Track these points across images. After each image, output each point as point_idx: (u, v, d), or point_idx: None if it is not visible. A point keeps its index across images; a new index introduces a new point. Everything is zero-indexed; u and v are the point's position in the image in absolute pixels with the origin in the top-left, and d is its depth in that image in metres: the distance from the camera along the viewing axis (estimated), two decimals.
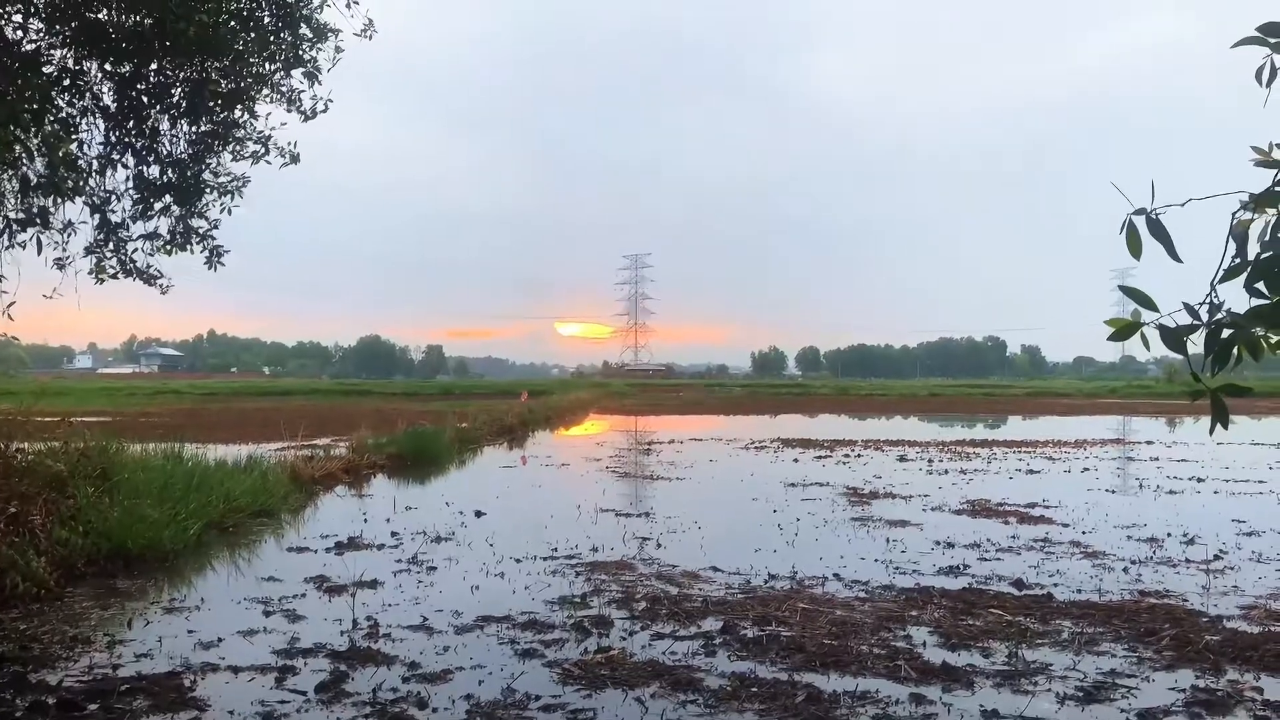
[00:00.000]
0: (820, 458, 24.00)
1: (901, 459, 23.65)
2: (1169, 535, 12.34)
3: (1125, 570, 10.26)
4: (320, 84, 10.68)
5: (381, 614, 8.29)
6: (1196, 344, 2.70)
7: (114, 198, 10.56)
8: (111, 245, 10.50)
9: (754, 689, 6.33)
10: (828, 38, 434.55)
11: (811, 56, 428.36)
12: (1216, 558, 10.88)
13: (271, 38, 10.11)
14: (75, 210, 10.42)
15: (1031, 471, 20.71)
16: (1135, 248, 2.67)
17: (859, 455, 24.75)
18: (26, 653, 7.17)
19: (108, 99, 10.25)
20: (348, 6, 10.34)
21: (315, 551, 11.29)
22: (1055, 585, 9.49)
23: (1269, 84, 2.71)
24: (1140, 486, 18.02)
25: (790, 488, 17.48)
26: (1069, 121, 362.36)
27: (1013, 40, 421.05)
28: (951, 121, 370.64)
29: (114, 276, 10.58)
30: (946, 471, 20.55)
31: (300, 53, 10.36)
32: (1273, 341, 2.71)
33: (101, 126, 10.31)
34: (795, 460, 23.37)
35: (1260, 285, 2.64)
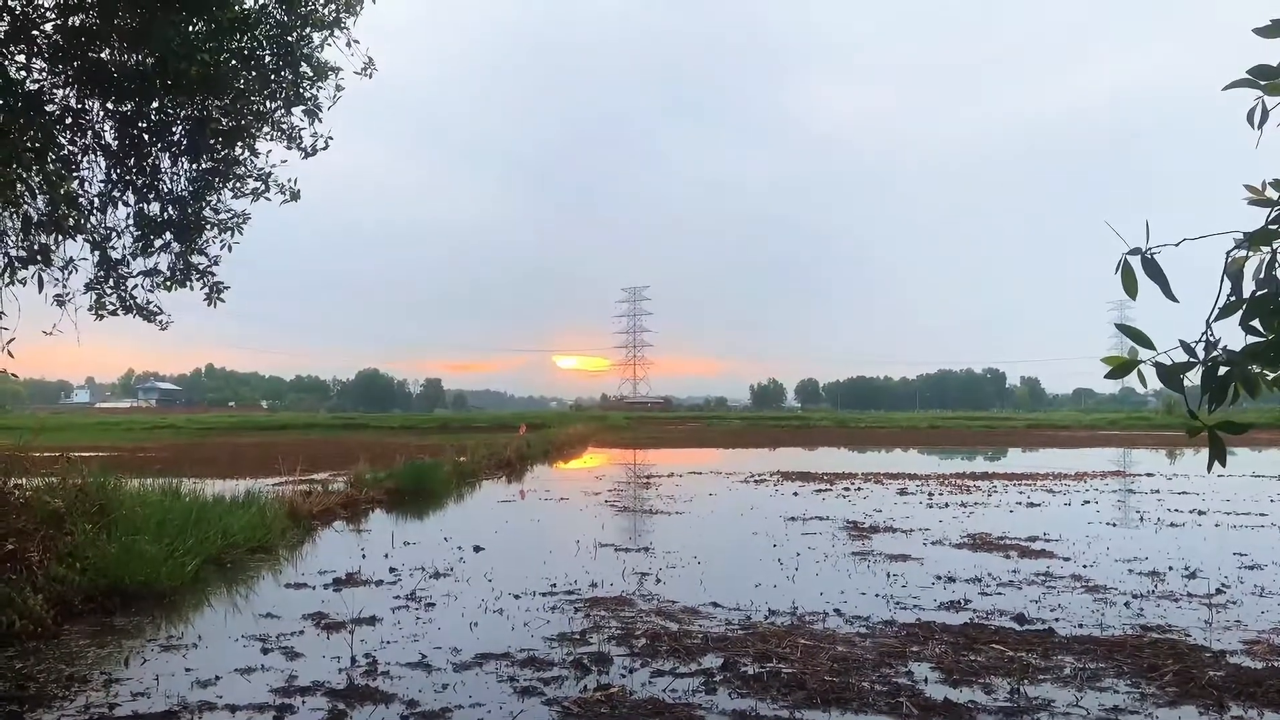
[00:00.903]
0: (820, 491, 23.94)
1: (902, 492, 23.59)
2: (1170, 569, 12.29)
3: (1127, 604, 10.21)
4: (321, 121, 10.78)
5: (380, 651, 8.25)
6: (1193, 381, 2.71)
7: (115, 235, 10.64)
8: (112, 282, 10.56)
9: None
10: (826, 68, 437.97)
11: (808, 86, 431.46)
12: (1219, 591, 10.83)
13: (272, 76, 10.21)
14: (76, 248, 10.50)
15: (1032, 504, 20.65)
16: (1131, 288, 2.68)
17: (859, 489, 24.69)
18: (23, 692, 7.13)
19: (109, 137, 10.35)
20: (348, 45, 10.46)
21: (313, 588, 11.24)
22: (1057, 620, 9.45)
23: (1261, 125, 2.74)
24: (1141, 519, 17.97)
25: (790, 522, 17.42)
26: (1070, 154, 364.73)
27: (1011, 71, 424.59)
28: (950, 154, 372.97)
29: (114, 313, 10.64)
30: (947, 505, 20.49)
31: (301, 91, 10.47)
32: (1269, 379, 2.73)
33: (103, 164, 10.41)
34: (795, 494, 23.31)
35: (1255, 323, 2.66)
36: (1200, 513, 18.75)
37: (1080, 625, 9.23)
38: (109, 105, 10.07)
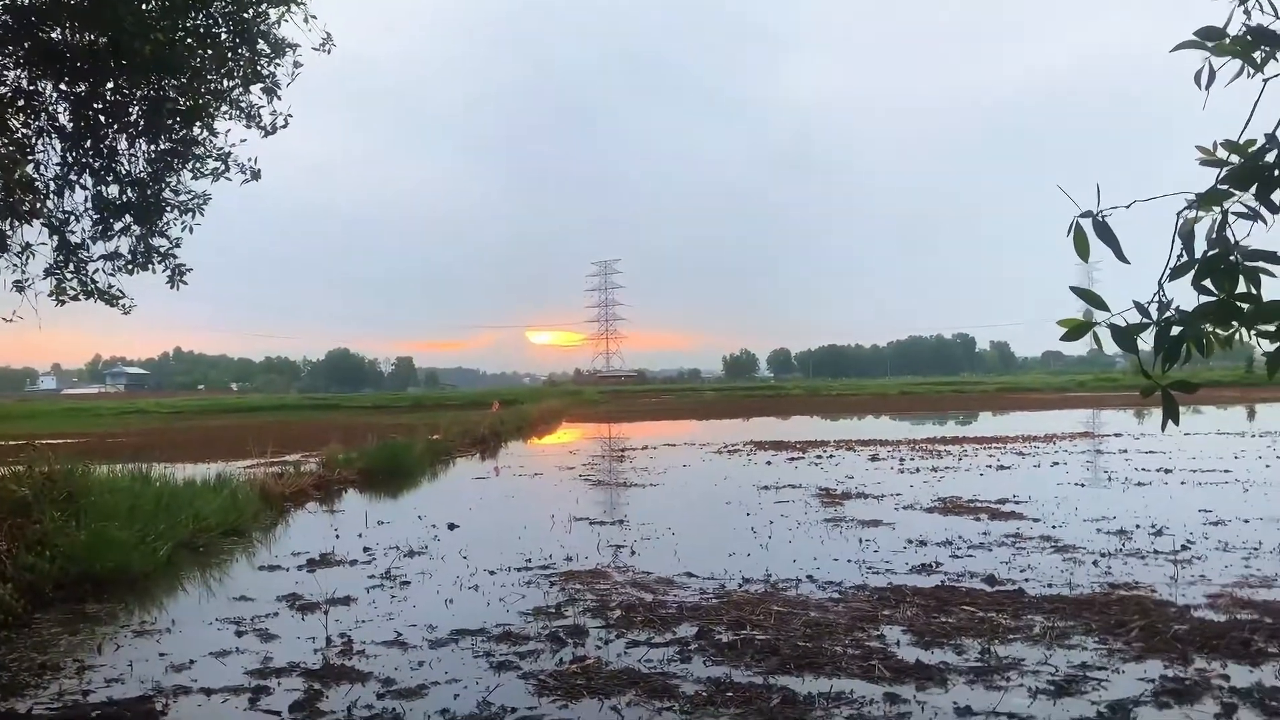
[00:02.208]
0: (793, 459, 24.09)
1: (873, 458, 23.78)
2: (1137, 527, 12.48)
3: (1095, 563, 10.36)
4: (280, 99, 10.67)
5: (355, 631, 8.25)
6: (1147, 341, 2.74)
7: (73, 218, 10.49)
8: (71, 266, 10.43)
9: (730, 694, 6.34)
10: (793, 35, 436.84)
11: (777, 57, 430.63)
12: (1184, 548, 11.01)
13: (229, 54, 10.07)
14: (33, 232, 10.34)
15: (1002, 467, 20.87)
16: (1083, 250, 2.71)
17: (831, 456, 24.86)
18: None
19: (64, 119, 10.19)
20: (305, 21, 10.32)
21: (287, 569, 11.21)
22: (1026, 580, 9.58)
23: (1208, 86, 2.77)
24: (1109, 479, 18.22)
25: (763, 490, 17.53)
26: (1035, 121, 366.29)
27: (977, 40, 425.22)
28: (916, 122, 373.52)
29: (75, 298, 10.51)
30: (918, 470, 20.68)
31: (259, 68, 10.34)
32: (1221, 337, 2.76)
33: (58, 147, 10.25)
34: (768, 463, 23.44)
35: (1207, 283, 2.70)
36: (1167, 471, 19.02)
37: (1049, 585, 9.37)
38: (62, 86, 9.90)
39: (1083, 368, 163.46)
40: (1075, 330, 2.75)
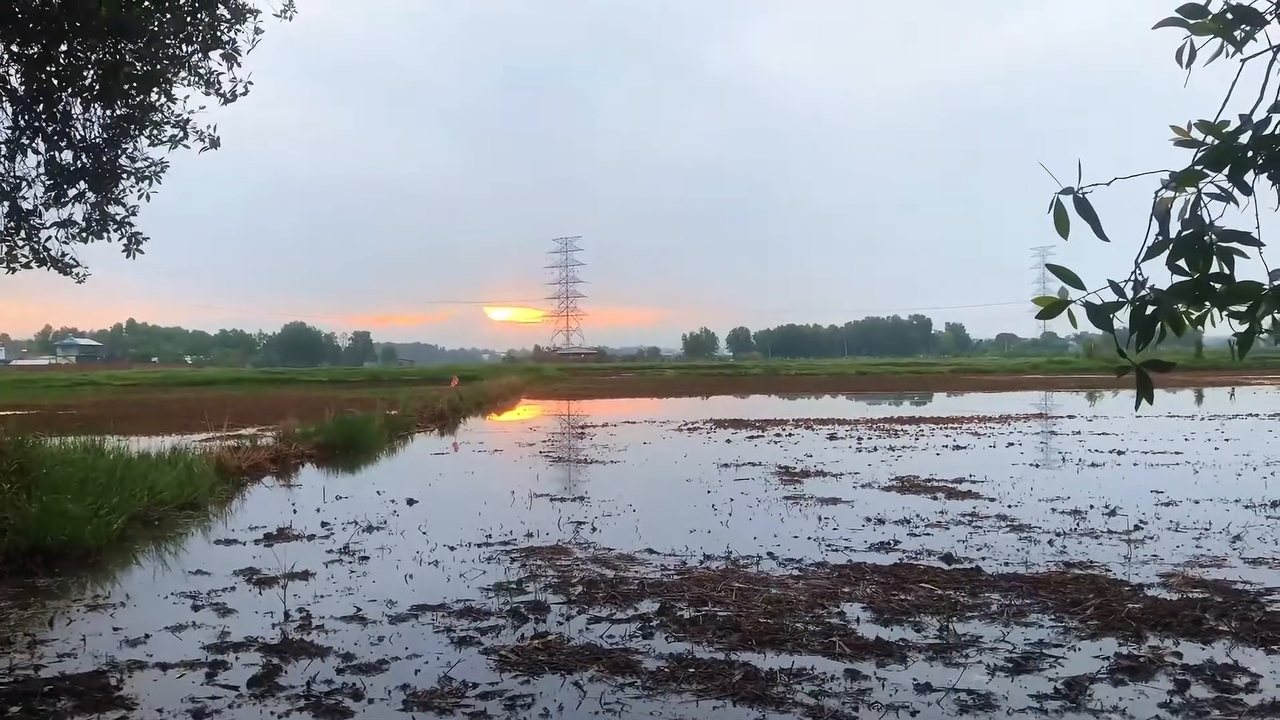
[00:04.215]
0: (752, 438, 24.19)
1: (831, 437, 23.94)
2: (1091, 507, 12.65)
3: (1050, 543, 10.50)
4: (240, 66, 10.47)
5: (314, 605, 8.17)
6: (1121, 320, 2.75)
7: (24, 184, 10.24)
8: (23, 234, 10.19)
9: (692, 669, 6.35)
10: (753, 16, 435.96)
11: (737, 35, 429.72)
12: (1137, 528, 11.18)
13: (188, 18, 9.85)
14: None
15: (958, 447, 21.09)
16: (1063, 227, 2.71)
17: (790, 434, 24.99)
18: None
19: (15, 81, 9.92)
20: None
21: (244, 544, 11.09)
22: (983, 559, 9.68)
23: (1189, 65, 2.77)
24: (1063, 460, 18.47)
25: (723, 468, 17.59)
26: (989, 103, 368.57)
27: (941, 21, 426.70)
28: (873, 102, 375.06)
29: (27, 266, 10.28)
30: (875, 449, 20.85)
31: (218, 34, 10.13)
32: (1194, 317, 2.78)
33: (9, 110, 9.99)
34: (728, 441, 23.52)
35: (1181, 262, 2.71)
36: (1119, 453, 19.31)
37: (1006, 564, 9.48)
38: (14, 48, 9.63)
39: (1036, 350, 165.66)
40: (1051, 308, 2.75)
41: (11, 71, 9.79)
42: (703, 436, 25.13)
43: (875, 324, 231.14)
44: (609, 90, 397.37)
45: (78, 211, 10.38)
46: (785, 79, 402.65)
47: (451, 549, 10.50)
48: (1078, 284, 2.71)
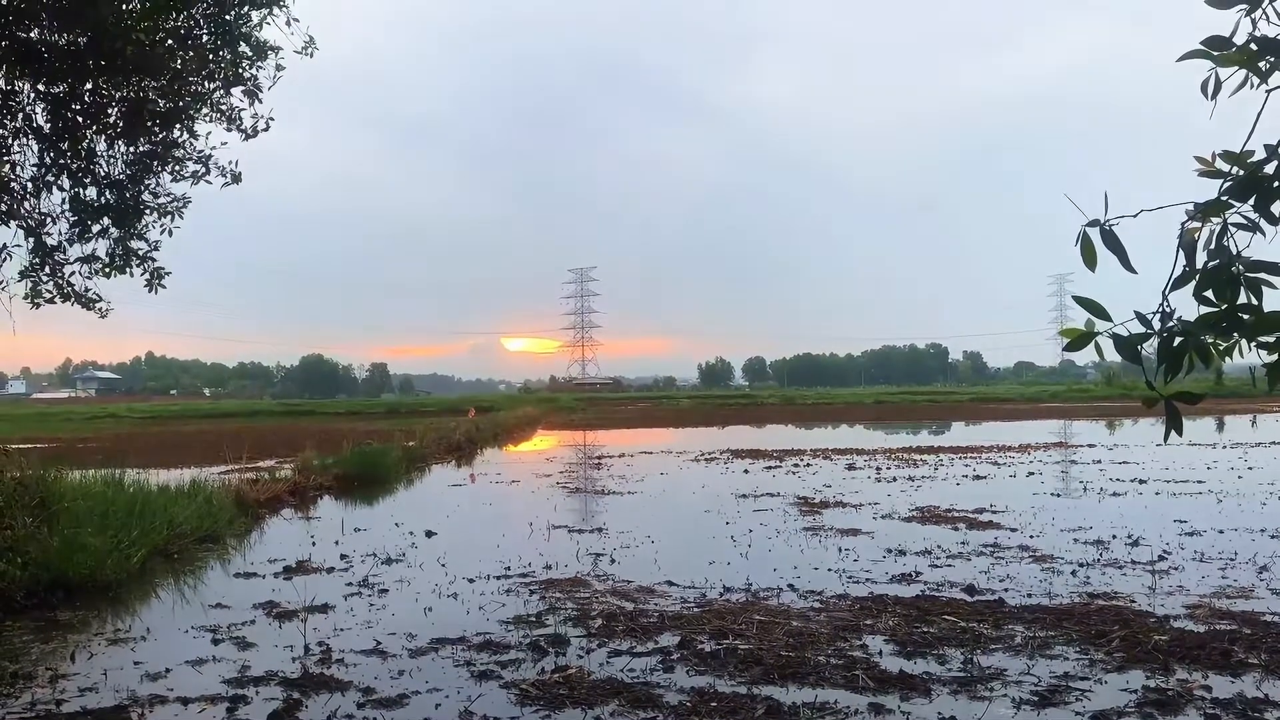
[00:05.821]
0: (770, 468, 24.10)
1: (850, 467, 23.83)
2: (1114, 537, 12.54)
3: (1073, 573, 10.40)
4: (261, 102, 10.57)
5: (334, 639, 8.16)
6: (1148, 351, 2.74)
7: (49, 220, 10.35)
8: (48, 269, 10.28)
9: (714, 703, 6.31)
10: (768, 52, 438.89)
11: (752, 71, 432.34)
12: (1161, 558, 11.07)
13: (210, 56, 9.97)
14: (8, 234, 10.20)
15: (978, 477, 20.96)
16: (1090, 259, 2.70)
17: (808, 465, 24.89)
18: None
19: (41, 119, 10.06)
20: (288, 24, 10.25)
21: (263, 576, 11.09)
22: (1006, 590, 9.60)
23: (1214, 96, 2.77)
24: (1084, 489, 18.33)
25: (741, 499, 17.52)
26: (1008, 134, 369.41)
27: (950, 51, 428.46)
28: (893, 132, 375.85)
29: (51, 301, 10.37)
30: (895, 479, 20.74)
31: (240, 71, 10.25)
32: (1222, 348, 2.76)
33: (35, 148, 10.11)
34: (745, 471, 23.45)
35: (1208, 293, 2.69)
36: (1141, 482, 19.16)
37: (1029, 595, 9.39)
38: (40, 86, 9.77)
39: (1054, 379, 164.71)
40: (1079, 340, 2.74)
41: (37, 110, 9.93)
42: (720, 467, 25.05)
43: (892, 352, 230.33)
44: (621, 123, 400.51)
45: (101, 247, 10.50)
46: (801, 108, 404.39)
47: (470, 581, 10.48)
48: (1104, 315, 2.70)
